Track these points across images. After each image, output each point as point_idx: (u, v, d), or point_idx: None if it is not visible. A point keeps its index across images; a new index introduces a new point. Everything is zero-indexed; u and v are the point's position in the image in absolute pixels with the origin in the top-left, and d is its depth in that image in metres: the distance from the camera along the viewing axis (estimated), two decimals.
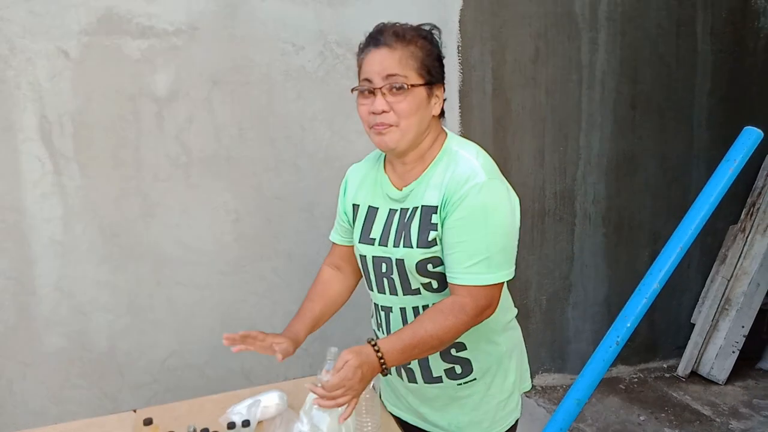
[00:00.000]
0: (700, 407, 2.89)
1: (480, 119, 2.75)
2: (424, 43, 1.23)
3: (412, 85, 1.19)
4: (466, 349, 1.30)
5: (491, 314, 1.22)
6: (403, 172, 1.29)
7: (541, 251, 2.97)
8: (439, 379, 1.31)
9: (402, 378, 1.36)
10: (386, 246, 1.28)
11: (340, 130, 2.51)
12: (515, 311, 1.43)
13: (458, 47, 2.68)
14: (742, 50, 3.13)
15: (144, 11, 2.23)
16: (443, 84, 1.28)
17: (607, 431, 2.74)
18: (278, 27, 2.38)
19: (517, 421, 1.40)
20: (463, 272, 1.18)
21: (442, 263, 1.23)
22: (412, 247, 1.23)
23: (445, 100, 1.28)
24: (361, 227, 1.35)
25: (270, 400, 1.41)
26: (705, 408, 2.89)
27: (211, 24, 2.30)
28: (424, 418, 1.38)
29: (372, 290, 1.36)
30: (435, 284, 1.26)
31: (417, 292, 1.27)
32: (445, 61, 1.29)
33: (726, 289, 3.13)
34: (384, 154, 1.37)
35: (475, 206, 1.17)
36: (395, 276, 1.28)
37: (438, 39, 1.27)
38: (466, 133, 2.67)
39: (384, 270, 1.29)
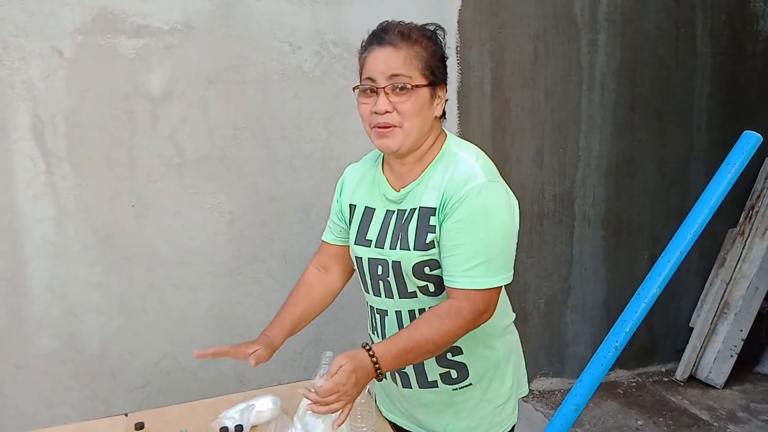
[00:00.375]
0: (698, 411, 2.87)
1: (479, 120, 2.73)
2: (428, 43, 1.21)
3: (416, 86, 1.17)
4: (462, 353, 1.27)
5: (489, 318, 1.20)
6: (402, 173, 1.27)
7: (539, 254, 2.95)
8: (434, 384, 1.29)
9: (397, 383, 1.34)
10: (383, 248, 1.26)
11: (337, 130, 2.49)
12: (513, 316, 1.40)
13: (457, 48, 2.66)
14: (742, 53, 3.12)
15: (139, 10, 2.21)
16: (446, 84, 1.26)
17: None
18: (274, 26, 2.36)
19: (514, 426, 1.38)
20: (461, 275, 1.15)
21: (439, 266, 1.21)
22: (409, 249, 1.21)
23: (446, 100, 1.27)
24: (357, 228, 1.33)
25: (263, 405, 1.38)
26: (703, 412, 2.86)
27: (207, 23, 2.28)
28: (420, 424, 1.36)
29: (367, 292, 1.34)
30: (432, 287, 1.23)
31: (413, 295, 1.25)
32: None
33: (725, 292, 3.11)
34: (382, 154, 1.34)
35: (475, 208, 1.15)
36: (391, 278, 1.25)
37: (442, 39, 1.25)
38: (464, 134, 2.65)
39: (380, 272, 1.27)
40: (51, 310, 2.26)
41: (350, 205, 1.37)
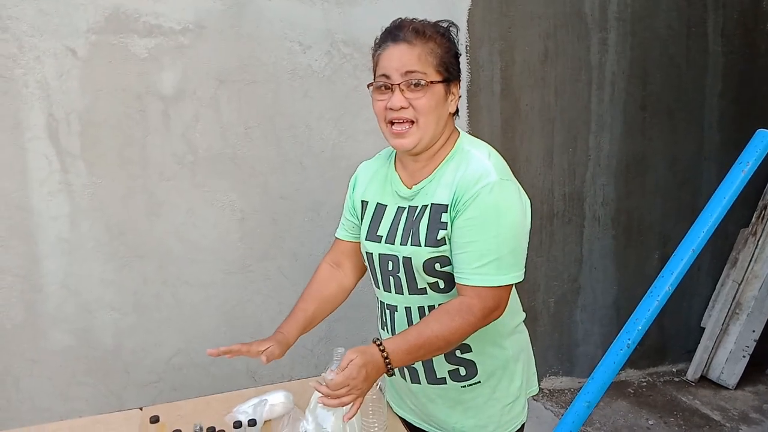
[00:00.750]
0: (710, 412, 2.86)
1: (488, 119, 2.73)
2: (442, 40, 1.22)
3: (431, 82, 1.18)
4: (471, 351, 1.28)
5: (499, 316, 1.20)
6: (414, 170, 1.28)
7: (549, 253, 2.95)
8: (443, 381, 1.30)
9: (405, 378, 1.34)
10: (393, 244, 1.27)
11: (347, 129, 2.51)
12: (523, 315, 1.41)
13: (467, 47, 2.66)
14: (754, 52, 3.10)
15: (151, 10, 2.23)
16: (459, 81, 1.27)
17: None
18: (285, 26, 2.37)
19: (523, 425, 1.38)
20: (472, 273, 1.16)
21: (449, 263, 1.21)
22: (420, 245, 1.21)
23: (460, 97, 1.27)
24: (368, 224, 1.34)
25: (276, 400, 1.40)
26: (715, 413, 2.85)
27: (218, 23, 2.30)
28: (428, 420, 1.37)
29: (378, 288, 1.35)
30: (442, 284, 1.24)
31: (423, 291, 1.26)
32: None
33: (737, 292, 3.09)
34: (395, 151, 1.36)
35: (487, 206, 1.16)
36: (402, 274, 1.26)
37: (455, 36, 1.26)
38: (473, 134, 2.63)
39: (390, 268, 1.28)
40: (65, 307, 2.29)
41: (362, 201, 1.38)
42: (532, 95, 2.81)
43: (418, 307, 1.27)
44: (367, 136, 2.53)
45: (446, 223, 1.20)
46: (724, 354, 3.07)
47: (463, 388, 1.30)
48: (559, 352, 3.08)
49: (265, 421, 1.36)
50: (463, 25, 2.64)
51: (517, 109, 2.80)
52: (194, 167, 2.35)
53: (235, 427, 1.26)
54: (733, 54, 3.06)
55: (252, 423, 1.28)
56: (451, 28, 1.25)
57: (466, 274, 1.16)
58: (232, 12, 2.31)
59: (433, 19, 1.29)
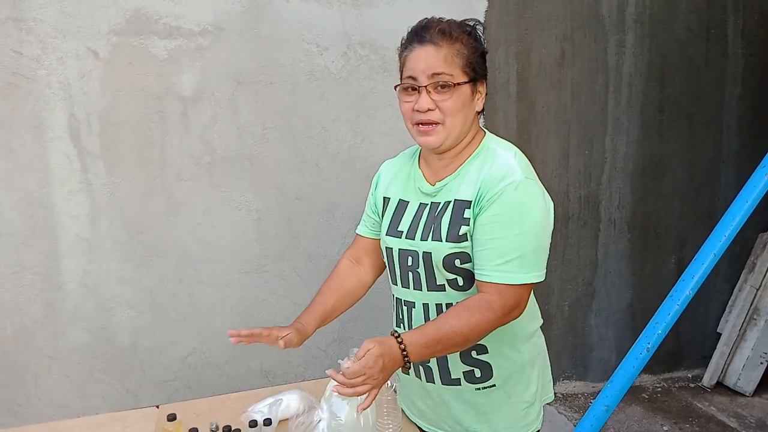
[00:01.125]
0: (726, 419, 2.82)
1: (504, 121, 2.73)
2: (468, 39, 1.22)
3: (458, 83, 1.19)
4: (487, 352, 1.27)
5: (518, 315, 1.20)
6: (439, 167, 1.29)
7: (564, 256, 2.93)
8: (457, 382, 1.29)
9: (420, 377, 1.34)
10: (413, 239, 1.27)
11: (363, 131, 2.51)
12: (541, 321, 1.40)
13: None
14: None
15: (171, 12, 2.26)
16: (486, 79, 1.27)
17: None
18: (303, 28, 2.39)
19: None
20: (494, 269, 1.16)
21: (470, 260, 1.21)
22: (441, 240, 1.21)
23: (486, 94, 1.27)
24: (389, 220, 1.35)
25: (291, 400, 1.40)
26: (731, 420, 2.81)
27: (237, 24, 2.32)
28: (440, 422, 1.35)
29: (395, 284, 1.35)
30: (461, 281, 1.24)
31: (442, 288, 1.26)
32: None
33: (754, 298, 3.05)
34: (419, 149, 1.36)
35: (512, 204, 1.16)
36: (421, 270, 1.26)
37: (481, 35, 1.26)
38: None
39: (410, 263, 1.28)
40: (84, 305, 2.32)
41: (384, 197, 1.39)
42: (548, 97, 2.80)
43: (436, 304, 1.27)
44: (382, 137, 2.53)
45: (469, 219, 1.20)
46: (741, 360, 3.04)
47: (478, 391, 1.29)
48: (573, 356, 3.06)
49: (280, 421, 1.36)
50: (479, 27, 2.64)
51: (533, 111, 2.80)
52: (212, 168, 2.37)
53: (250, 426, 1.27)
54: (753, 56, 3.03)
55: (267, 422, 1.29)
56: (477, 27, 1.25)
57: (488, 270, 1.16)
58: (251, 14, 2.33)
59: None
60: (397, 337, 1.11)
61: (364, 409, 1.09)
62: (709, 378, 3.10)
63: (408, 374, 1.21)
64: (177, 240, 2.38)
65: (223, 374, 2.49)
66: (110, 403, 2.37)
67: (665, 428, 2.77)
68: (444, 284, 1.25)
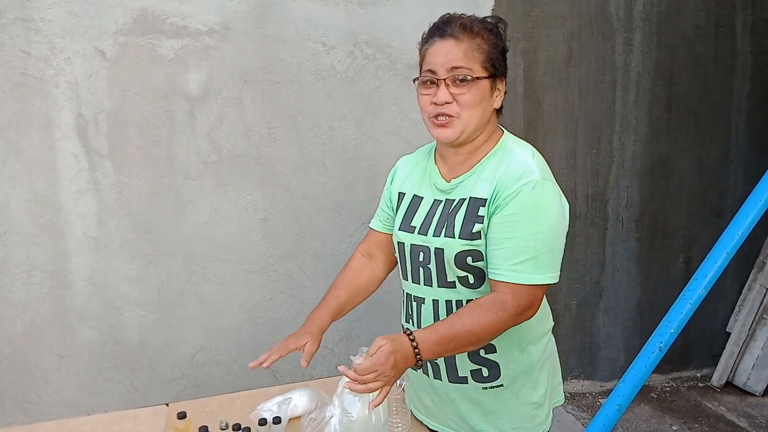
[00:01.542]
0: (736, 419, 2.80)
1: (511, 120, 2.72)
2: (489, 35, 1.22)
3: (477, 78, 1.19)
4: (495, 352, 1.27)
5: (531, 316, 1.20)
6: (455, 163, 1.29)
7: (571, 255, 2.92)
8: (464, 380, 1.29)
9: (428, 374, 1.33)
10: (425, 235, 1.27)
11: (369, 130, 2.51)
12: (552, 323, 1.40)
13: None
14: None
15: (178, 11, 2.26)
16: (506, 77, 1.27)
17: None
18: (309, 27, 2.39)
19: None
20: (508, 269, 1.16)
21: (482, 258, 1.21)
22: (454, 237, 1.21)
23: (505, 93, 1.27)
24: (403, 215, 1.35)
25: (300, 399, 1.41)
26: (741, 420, 2.80)
27: (243, 24, 2.33)
28: (446, 420, 1.35)
29: (406, 279, 1.35)
30: (471, 279, 1.24)
31: (452, 285, 1.25)
32: None
33: (764, 297, 3.03)
34: (435, 146, 1.36)
35: (528, 204, 1.16)
36: (432, 266, 1.26)
37: (503, 32, 1.26)
38: None
39: (421, 259, 1.28)
40: (92, 303, 2.34)
41: (399, 193, 1.39)
42: (555, 96, 2.79)
43: (446, 301, 1.26)
44: (388, 136, 2.53)
45: (483, 217, 1.19)
46: (750, 360, 3.01)
47: (485, 390, 1.28)
48: (580, 356, 3.05)
49: (289, 419, 1.37)
50: None
51: (540, 110, 2.79)
52: (218, 167, 2.38)
53: (260, 425, 1.27)
54: (762, 54, 3.00)
55: (277, 421, 1.29)
56: (499, 24, 1.25)
57: (502, 270, 1.16)
58: (257, 13, 2.34)
59: None
60: (409, 335, 1.11)
61: (376, 406, 1.09)
62: (718, 377, 3.08)
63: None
64: (184, 239, 2.39)
65: (230, 372, 2.50)
66: (119, 400, 2.39)
67: (674, 428, 2.76)
68: (455, 281, 1.25)
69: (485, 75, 1.20)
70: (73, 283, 2.31)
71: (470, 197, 1.23)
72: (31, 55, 2.17)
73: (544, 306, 1.34)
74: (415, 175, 1.38)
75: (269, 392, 1.50)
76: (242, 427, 1.27)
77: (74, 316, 2.33)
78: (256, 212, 2.45)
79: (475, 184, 1.23)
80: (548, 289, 1.22)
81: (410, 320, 1.35)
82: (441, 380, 1.31)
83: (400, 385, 1.26)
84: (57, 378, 2.34)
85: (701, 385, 3.12)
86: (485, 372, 1.28)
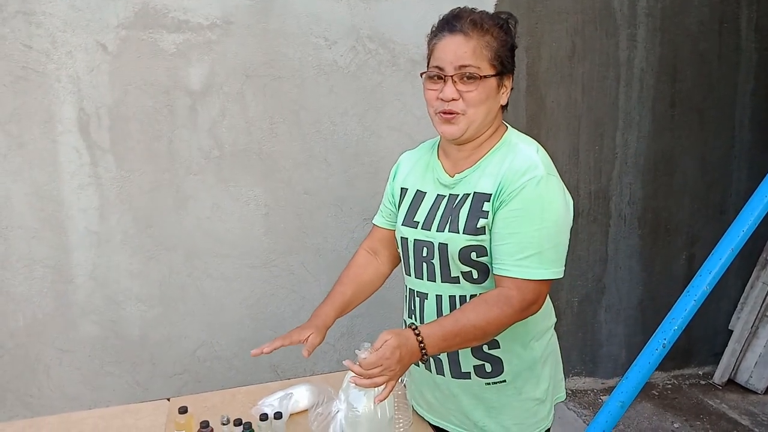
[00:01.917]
0: (738, 417, 2.80)
1: (513, 116, 2.71)
2: (499, 32, 1.21)
3: (484, 76, 1.18)
4: (499, 347, 1.27)
5: (537, 311, 1.19)
6: (458, 159, 1.28)
7: (573, 252, 2.92)
8: (467, 375, 1.28)
9: (431, 370, 1.33)
10: (429, 230, 1.26)
11: (371, 125, 2.51)
12: (554, 319, 1.39)
13: None
14: None
15: (180, 5, 2.26)
16: (513, 74, 1.26)
17: None
18: (311, 21, 2.38)
19: (548, 430, 1.36)
20: (513, 264, 1.15)
21: (486, 254, 1.21)
22: (458, 232, 1.21)
23: (512, 89, 1.27)
24: (406, 210, 1.34)
25: (301, 394, 1.40)
26: (743, 417, 2.79)
27: (245, 18, 2.32)
28: (447, 416, 1.35)
29: (409, 275, 1.34)
30: (475, 274, 1.23)
31: (456, 280, 1.25)
32: None
33: (767, 295, 3.02)
34: (438, 141, 1.36)
35: (533, 199, 1.15)
36: (436, 261, 1.26)
37: (513, 28, 1.25)
38: None
39: (425, 254, 1.28)
40: (94, 298, 2.34)
41: (402, 188, 1.39)
42: (558, 92, 2.78)
43: (449, 296, 1.26)
44: (390, 132, 2.52)
45: (487, 212, 1.19)
46: (753, 357, 3.01)
47: (488, 386, 1.28)
48: (582, 353, 3.04)
49: (290, 415, 1.36)
50: None
51: (543, 106, 2.78)
52: (220, 162, 2.38)
53: (261, 420, 1.27)
54: (766, 51, 2.99)
55: (278, 416, 1.29)
56: (509, 20, 1.24)
57: (507, 265, 1.16)
58: (259, 7, 2.33)
59: None
60: (414, 330, 1.11)
61: (382, 401, 1.08)
62: (720, 375, 3.07)
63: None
64: (186, 234, 2.38)
65: (231, 367, 2.50)
66: (120, 395, 2.39)
67: (676, 425, 2.75)
68: (458, 276, 1.24)
69: (493, 73, 1.19)
70: (74, 278, 2.31)
71: (474, 192, 1.22)
72: (32, 49, 2.16)
73: (547, 302, 1.33)
74: (417, 170, 1.37)
75: (270, 387, 1.50)
76: (243, 422, 1.27)
77: (76, 311, 2.33)
78: (257, 207, 2.44)
79: (479, 179, 1.23)
80: (550, 286, 1.22)
81: (413, 316, 1.35)
82: (444, 376, 1.31)
83: (402, 380, 1.26)
84: (59, 372, 2.34)
85: (703, 382, 3.12)
86: (488, 367, 1.27)
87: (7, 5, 2.12)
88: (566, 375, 3.00)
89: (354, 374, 1.07)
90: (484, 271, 1.22)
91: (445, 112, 1.21)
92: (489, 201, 1.19)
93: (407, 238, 1.32)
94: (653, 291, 3.05)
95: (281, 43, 2.37)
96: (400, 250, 1.37)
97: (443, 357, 1.29)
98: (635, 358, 1.98)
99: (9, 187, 2.21)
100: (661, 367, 3.11)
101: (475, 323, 1.12)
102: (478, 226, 1.19)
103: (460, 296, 1.25)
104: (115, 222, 2.32)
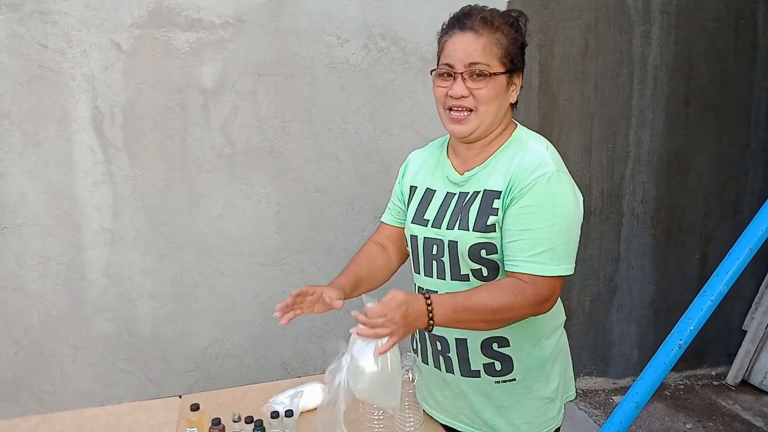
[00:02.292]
0: (752, 418, 2.77)
1: (525, 114, 2.70)
2: (510, 30, 1.21)
3: (494, 73, 1.18)
4: (509, 345, 1.26)
5: (550, 308, 1.19)
6: (468, 156, 1.28)
7: (585, 251, 2.90)
8: (476, 374, 1.28)
9: (440, 368, 1.33)
10: (439, 228, 1.26)
11: (382, 123, 2.50)
12: (564, 317, 1.39)
13: None
14: None
15: (193, 4, 2.27)
16: (523, 72, 1.26)
17: None
18: (323, 20, 2.38)
19: (558, 429, 1.35)
20: (526, 260, 1.15)
21: (496, 251, 1.20)
22: (468, 229, 1.21)
23: (522, 87, 1.27)
24: (415, 208, 1.34)
25: (312, 392, 1.41)
26: (757, 419, 2.76)
27: (258, 17, 2.33)
28: (457, 414, 1.34)
29: (418, 273, 1.34)
30: (485, 272, 1.23)
31: (466, 278, 1.24)
32: None
33: None
34: (448, 139, 1.36)
35: (544, 196, 1.15)
36: (446, 259, 1.25)
37: (523, 27, 1.25)
38: None
39: (434, 252, 1.28)
40: (107, 295, 2.36)
41: (411, 186, 1.39)
42: (571, 89, 2.76)
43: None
44: (402, 130, 2.52)
45: (498, 209, 1.19)
46: (767, 358, 2.97)
47: (497, 384, 1.28)
48: (593, 352, 3.03)
49: (301, 413, 1.37)
50: None
51: (555, 104, 2.76)
52: (232, 160, 2.39)
53: (272, 418, 1.28)
54: None
55: (289, 414, 1.29)
56: (520, 18, 1.24)
57: (520, 261, 1.15)
58: (272, 6, 2.33)
59: None
60: (425, 295, 1.11)
61: (382, 354, 1.06)
62: (733, 376, 3.04)
63: (430, 331, 1.16)
64: (198, 231, 2.40)
65: (242, 365, 2.51)
66: (133, 392, 2.41)
67: (688, 426, 2.73)
68: (468, 274, 1.24)
69: (502, 70, 1.19)
70: (88, 275, 2.33)
71: (484, 189, 1.22)
72: (48, 48, 2.18)
73: (558, 300, 1.32)
74: (427, 168, 1.37)
75: (281, 385, 1.50)
76: (255, 419, 1.28)
77: (89, 308, 2.35)
78: (269, 205, 2.45)
79: (489, 177, 1.23)
80: (563, 283, 1.21)
81: None
82: (453, 374, 1.31)
83: (412, 380, 1.26)
84: (72, 369, 2.37)
85: (716, 383, 3.09)
86: (498, 366, 1.27)
87: (23, 5, 2.14)
88: (577, 375, 2.99)
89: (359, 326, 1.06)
90: (494, 269, 1.22)
91: (454, 110, 1.21)
92: (499, 198, 1.19)
93: (417, 236, 1.31)
94: (666, 290, 3.02)
95: (293, 41, 2.37)
96: (409, 248, 1.37)
97: (452, 355, 1.29)
98: (647, 358, 1.96)
99: (24, 185, 2.24)
100: (674, 367, 3.08)
101: (486, 303, 1.12)
102: (488, 223, 1.19)
103: None
104: (129, 219, 2.34)
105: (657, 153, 2.91)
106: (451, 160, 1.32)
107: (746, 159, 3.02)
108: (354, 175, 2.51)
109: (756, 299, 3.12)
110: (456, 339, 1.27)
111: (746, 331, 3.09)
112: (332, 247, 2.53)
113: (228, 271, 2.45)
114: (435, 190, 1.32)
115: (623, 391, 3.01)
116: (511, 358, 1.27)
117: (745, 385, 3.03)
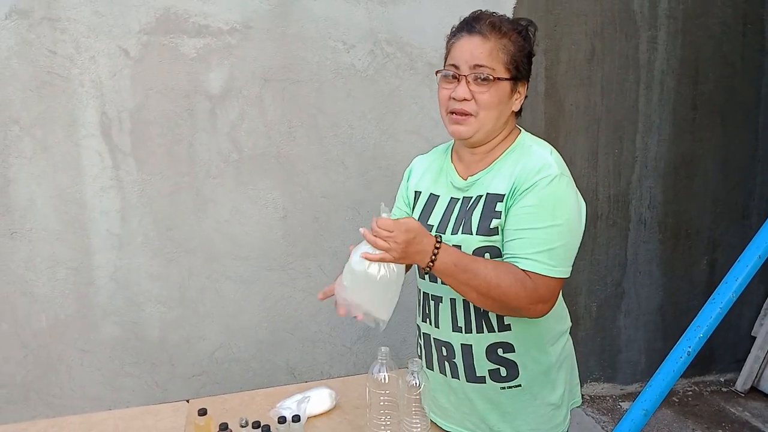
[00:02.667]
0: (761, 425, 2.75)
1: (532, 119, 2.70)
2: (517, 37, 1.22)
3: (498, 78, 1.19)
4: (514, 351, 1.26)
5: (545, 312, 1.19)
6: (471, 162, 1.29)
7: (592, 256, 2.89)
8: (482, 379, 1.28)
9: (445, 373, 1.33)
10: (444, 233, 1.27)
11: (389, 129, 2.51)
12: (569, 324, 1.38)
13: None
14: None
15: (200, 10, 2.28)
16: (528, 81, 1.26)
17: None
18: (329, 25, 2.39)
19: None
20: (525, 258, 1.16)
21: (500, 254, 1.21)
22: (471, 233, 1.21)
23: (526, 97, 1.27)
24: (419, 214, 1.35)
25: (319, 397, 1.41)
26: (766, 426, 2.73)
27: (265, 23, 2.34)
28: (463, 421, 1.34)
29: (422, 278, 1.35)
30: None
31: None
32: None
33: None
34: (452, 145, 1.36)
35: (545, 196, 1.16)
36: None
37: (532, 35, 1.26)
38: None
39: None
40: (115, 299, 2.37)
41: (415, 191, 1.40)
42: (577, 95, 2.76)
43: (464, 299, 1.26)
44: (408, 135, 2.53)
45: (500, 212, 1.19)
46: None
47: (503, 390, 1.28)
48: (600, 358, 3.01)
49: (308, 418, 1.37)
50: None
51: (562, 109, 2.76)
52: (239, 165, 2.40)
53: (279, 423, 1.28)
54: None
55: (296, 419, 1.29)
56: (529, 27, 1.25)
57: (520, 258, 1.16)
58: (278, 12, 2.35)
59: None
60: (438, 239, 1.15)
61: (367, 258, 1.11)
62: (742, 382, 3.02)
63: (427, 273, 1.19)
64: (205, 236, 2.41)
65: (249, 369, 2.52)
66: (140, 396, 2.42)
67: None
68: None
69: (507, 76, 1.20)
70: (96, 280, 2.35)
71: (487, 193, 1.23)
72: (57, 54, 2.20)
73: (562, 306, 1.33)
74: (430, 173, 1.38)
75: (289, 390, 1.51)
76: (262, 424, 1.28)
77: (97, 312, 2.37)
78: (275, 210, 2.46)
79: (492, 181, 1.23)
80: (568, 290, 1.21)
81: (427, 319, 1.35)
82: (459, 379, 1.31)
83: (418, 386, 1.26)
84: (80, 373, 2.38)
85: (725, 389, 3.06)
86: (503, 372, 1.27)
87: (33, 11, 2.16)
88: (585, 380, 2.98)
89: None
90: None
91: (455, 113, 1.22)
92: (502, 201, 1.20)
93: None
94: (673, 296, 3.01)
95: (300, 47, 2.38)
96: None
97: (458, 361, 1.29)
98: (655, 364, 1.94)
99: (34, 190, 2.26)
100: (682, 373, 3.08)
101: (486, 275, 1.14)
102: (491, 226, 1.20)
103: None
104: (136, 224, 2.35)
105: (664, 158, 2.90)
106: (455, 165, 1.32)
107: (754, 163, 3.00)
108: (360, 181, 2.51)
109: (765, 305, 3.10)
110: (461, 345, 1.27)
111: (755, 338, 3.07)
112: (338, 252, 2.53)
113: (235, 276, 2.46)
114: (439, 196, 1.33)
115: (631, 397, 2.99)
116: (516, 363, 1.27)
117: (754, 391, 3.01)
